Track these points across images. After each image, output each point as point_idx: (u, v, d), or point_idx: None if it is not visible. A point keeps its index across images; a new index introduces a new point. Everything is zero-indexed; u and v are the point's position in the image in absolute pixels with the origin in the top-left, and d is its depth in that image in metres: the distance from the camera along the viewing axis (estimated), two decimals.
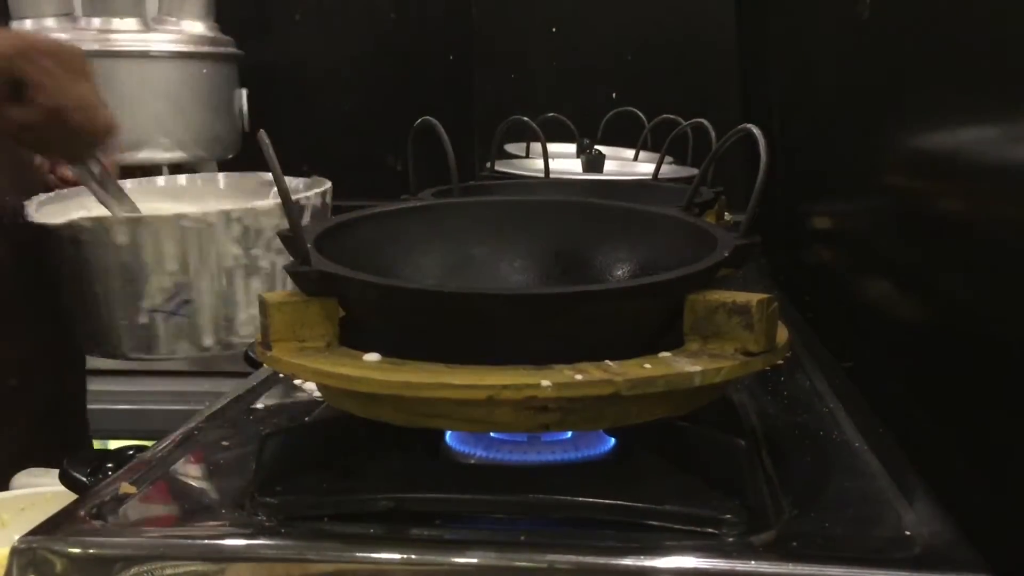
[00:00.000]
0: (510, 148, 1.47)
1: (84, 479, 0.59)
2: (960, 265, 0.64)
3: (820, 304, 1.03)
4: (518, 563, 0.46)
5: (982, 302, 0.60)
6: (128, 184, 1.07)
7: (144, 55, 1.61)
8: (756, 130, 0.56)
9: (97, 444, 1.33)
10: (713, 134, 1.00)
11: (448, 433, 0.56)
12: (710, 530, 0.47)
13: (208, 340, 0.98)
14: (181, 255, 0.95)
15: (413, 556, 0.46)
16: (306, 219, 1.00)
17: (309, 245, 0.54)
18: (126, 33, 1.61)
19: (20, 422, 0.97)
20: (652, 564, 0.45)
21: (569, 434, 0.55)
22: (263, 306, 0.52)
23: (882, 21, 0.79)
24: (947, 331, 0.67)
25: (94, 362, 1.52)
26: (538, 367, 0.47)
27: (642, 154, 1.46)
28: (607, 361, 0.48)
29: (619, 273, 0.61)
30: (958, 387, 0.63)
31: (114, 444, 1.19)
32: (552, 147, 1.25)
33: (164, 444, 0.62)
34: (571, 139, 1.49)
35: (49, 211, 1.03)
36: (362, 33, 2.01)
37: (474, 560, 0.46)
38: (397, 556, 0.46)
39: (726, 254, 0.54)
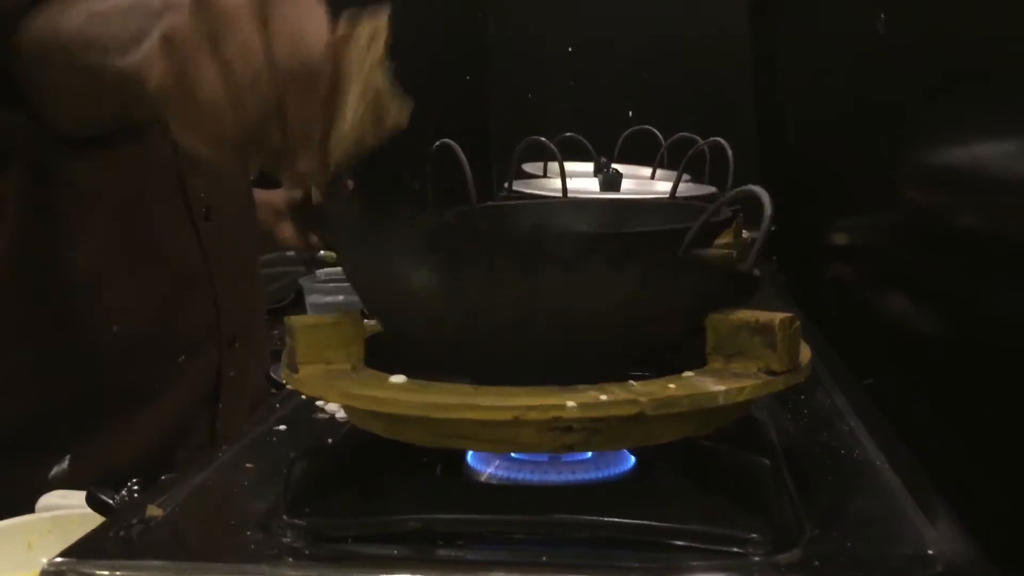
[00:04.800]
0: (527, 167, 1.48)
1: (111, 501, 0.60)
2: (981, 280, 0.64)
3: (840, 320, 1.03)
4: None
5: (1004, 317, 0.60)
6: None
7: None
8: (762, 192, 0.54)
9: None
10: (730, 153, 1.00)
11: (470, 453, 0.57)
12: (735, 549, 0.47)
13: None
14: None
15: None
16: None
17: None
18: None
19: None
20: None
21: (590, 453, 0.56)
22: (290, 329, 0.53)
23: (899, 36, 0.80)
24: (968, 347, 0.67)
25: None
26: (563, 388, 0.47)
27: (659, 172, 1.46)
28: (631, 382, 0.48)
29: None
30: (980, 404, 0.63)
31: None
32: (569, 166, 1.25)
33: (189, 466, 0.62)
34: (588, 158, 1.49)
35: None
36: None
37: None
38: None
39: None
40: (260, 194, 1.21)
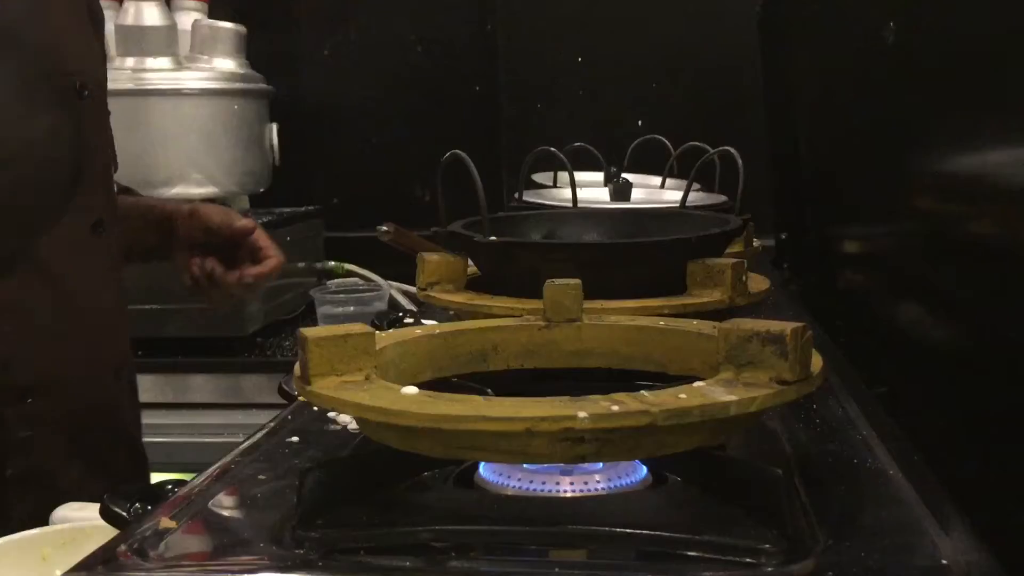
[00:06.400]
0: (537, 178, 1.48)
1: (125, 514, 0.60)
2: (993, 289, 0.64)
3: (852, 329, 1.03)
4: None
5: (1018, 325, 0.60)
6: None
7: (177, 93, 1.64)
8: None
9: None
10: (740, 162, 1.00)
11: (482, 464, 0.57)
12: (748, 560, 0.47)
13: None
14: None
15: None
16: None
17: None
18: (159, 72, 1.64)
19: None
20: None
21: (602, 464, 0.56)
22: (302, 341, 0.53)
23: (907, 45, 0.80)
24: (981, 355, 0.67)
25: None
26: (574, 399, 0.47)
27: (669, 181, 1.46)
28: (642, 392, 0.48)
29: None
30: (994, 413, 0.63)
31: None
32: (579, 176, 1.25)
33: (202, 478, 0.62)
34: (598, 167, 1.50)
35: None
36: (389, 66, 2.04)
37: None
38: None
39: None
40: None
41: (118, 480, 1.00)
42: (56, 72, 0.94)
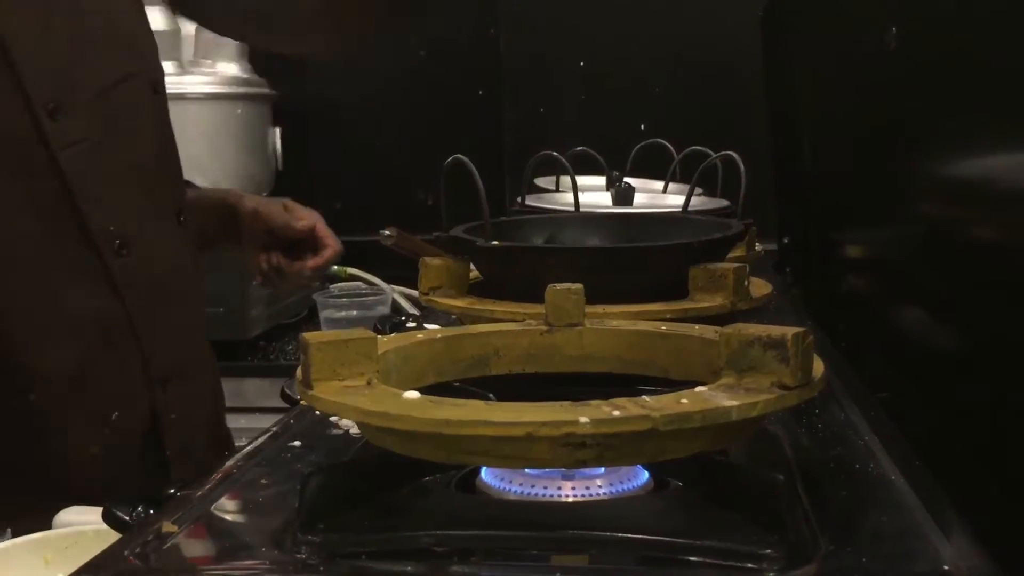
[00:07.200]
0: (540, 182, 1.48)
1: (127, 518, 0.60)
2: (996, 293, 0.64)
3: (854, 334, 1.03)
4: None
5: (1020, 330, 0.60)
6: None
7: (180, 97, 1.64)
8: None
9: None
10: (742, 166, 1.00)
11: (483, 469, 0.57)
12: (750, 565, 0.47)
13: None
14: None
15: None
16: None
17: None
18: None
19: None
20: None
21: (603, 469, 0.56)
22: (304, 346, 0.53)
23: (909, 51, 0.80)
24: (983, 360, 0.67)
25: None
26: (575, 403, 0.48)
27: (671, 186, 1.46)
28: (644, 397, 0.48)
29: None
30: (996, 418, 0.63)
31: None
32: (582, 180, 1.26)
33: (205, 483, 0.62)
34: (600, 172, 1.50)
35: None
36: (392, 70, 2.04)
37: None
38: None
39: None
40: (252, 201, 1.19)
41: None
42: (137, 72, 1.01)
